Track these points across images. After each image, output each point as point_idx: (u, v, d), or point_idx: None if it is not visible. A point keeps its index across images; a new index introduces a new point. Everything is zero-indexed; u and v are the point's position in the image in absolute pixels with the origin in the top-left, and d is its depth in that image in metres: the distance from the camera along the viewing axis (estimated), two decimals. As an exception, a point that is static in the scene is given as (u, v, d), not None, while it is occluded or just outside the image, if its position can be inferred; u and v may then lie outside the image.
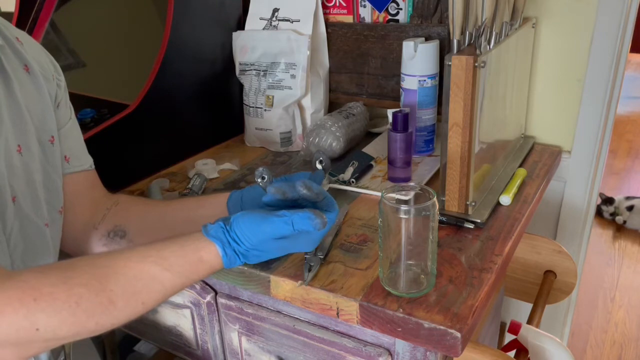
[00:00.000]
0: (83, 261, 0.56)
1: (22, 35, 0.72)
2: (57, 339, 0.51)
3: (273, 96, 1.15)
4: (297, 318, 0.78)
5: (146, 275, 0.56)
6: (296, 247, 0.65)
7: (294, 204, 0.65)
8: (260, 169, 0.68)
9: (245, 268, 0.76)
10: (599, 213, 2.69)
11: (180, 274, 0.58)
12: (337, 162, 1.05)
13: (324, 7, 1.18)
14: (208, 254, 0.59)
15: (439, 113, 1.06)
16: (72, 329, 0.51)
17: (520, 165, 1.03)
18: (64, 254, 0.80)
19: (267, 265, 0.76)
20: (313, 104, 1.18)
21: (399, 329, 0.66)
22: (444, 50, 1.04)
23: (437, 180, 0.94)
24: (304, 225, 0.60)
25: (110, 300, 0.53)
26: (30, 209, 0.67)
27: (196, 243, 0.59)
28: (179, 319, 0.92)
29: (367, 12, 1.17)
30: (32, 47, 0.72)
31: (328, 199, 0.66)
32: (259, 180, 0.68)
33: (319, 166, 0.71)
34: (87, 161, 0.79)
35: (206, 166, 1.07)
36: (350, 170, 0.96)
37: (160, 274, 0.56)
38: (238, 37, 1.20)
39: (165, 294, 0.58)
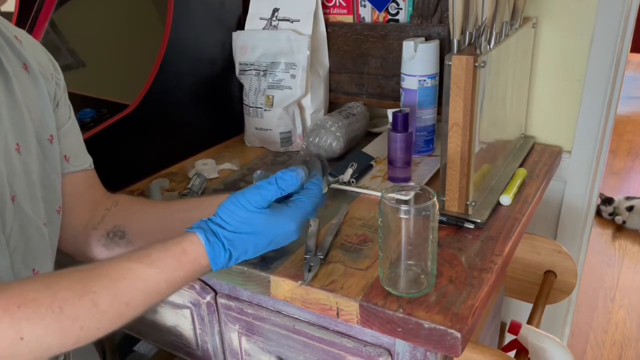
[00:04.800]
0: (68, 269, 0.55)
1: (22, 34, 0.72)
2: (43, 349, 0.50)
3: (273, 96, 1.15)
4: (297, 318, 0.78)
5: (129, 274, 0.54)
6: (284, 225, 0.62)
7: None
8: (259, 171, 0.68)
9: (245, 268, 0.76)
10: (597, 213, 2.69)
11: (164, 269, 0.56)
12: (337, 162, 1.05)
13: (324, 7, 1.18)
14: (190, 244, 0.58)
15: (439, 113, 1.06)
16: (56, 335, 0.50)
17: (521, 165, 1.03)
18: (64, 255, 0.80)
19: (267, 265, 0.76)
20: (313, 104, 1.18)
21: (399, 329, 0.66)
22: (444, 50, 1.04)
23: (437, 180, 0.94)
24: (287, 178, 0.60)
25: (94, 302, 0.52)
26: (29, 208, 0.67)
27: (179, 236, 0.59)
28: (179, 319, 0.92)
29: (367, 12, 1.17)
30: (31, 46, 0.72)
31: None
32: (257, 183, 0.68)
33: None
34: (87, 161, 0.79)
35: (206, 166, 1.07)
36: (349, 171, 0.97)
37: (144, 270, 0.55)
38: (238, 37, 1.20)
39: (150, 294, 0.56)
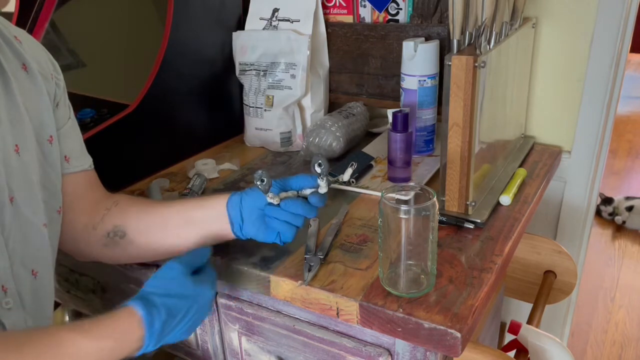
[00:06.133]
0: (21, 337, 0.55)
1: (21, 34, 0.72)
2: None
3: (273, 96, 1.15)
4: (297, 318, 0.78)
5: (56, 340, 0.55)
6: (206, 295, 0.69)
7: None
8: (259, 172, 0.68)
9: (245, 268, 0.76)
10: (597, 213, 2.69)
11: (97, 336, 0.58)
12: (337, 162, 1.05)
13: (324, 7, 1.18)
14: (137, 343, 0.61)
15: (439, 113, 1.06)
16: None
17: (520, 165, 1.03)
18: (64, 254, 0.80)
19: (267, 265, 0.76)
20: (313, 104, 1.18)
21: (399, 329, 0.66)
22: (444, 50, 1.04)
23: (437, 180, 0.94)
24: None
25: None
26: (28, 209, 0.67)
27: (131, 339, 0.60)
28: (179, 319, 0.92)
29: (367, 12, 1.17)
30: (31, 46, 0.72)
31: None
32: (258, 183, 0.68)
33: (317, 169, 0.71)
34: (87, 161, 0.79)
35: (206, 166, 1.07)
36: (349, 171, 0.96)
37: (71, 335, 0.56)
38: (238, 37, 1.20)
39: None
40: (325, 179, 0.72)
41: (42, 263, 0.70)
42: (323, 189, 0.72)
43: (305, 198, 0.73)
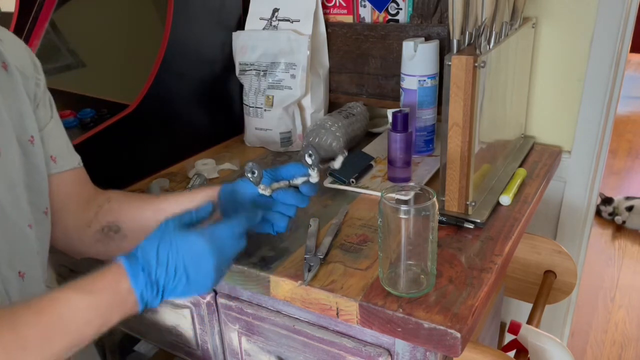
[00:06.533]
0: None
1: (3, 32, 0.71)
2: None
3: (273, 96, 1.15)
4: (297, 318, 0.78)
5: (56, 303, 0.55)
6: (194, 241, 0.63)
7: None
8: (250, 163, 0.68)
9: (245, 268, 0.76)
10: (597, 213, 2.69)
11: (90, 291, 0.56)
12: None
13: (324, 7, 1.18)
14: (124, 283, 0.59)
15: (439, 113, 1.06)
16: None
17: (520, 165, 1.03)
18: (59, 253, 0.80)
19: (267, 265, 0.76)
20: (313, 104, 1.18)
21: (399, 329, 0.66)
22: (444, 50, 1.04)
23: (437, 180, 0.94)
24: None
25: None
26: (11, 210, 0.65)
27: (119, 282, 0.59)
28: (179, 319, 0.92)
29: (367, 12, 1.17)
30: (12, 45, 0.71)
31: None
32: (249, 175, 0.69)
33: (308, 160, 0.71)
34: (75, 159, 0.78)
35: (206, 166, 1.07)
36: (340, 159, 0.94)
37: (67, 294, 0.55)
38: (238, 37, 1.20)
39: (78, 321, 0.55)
40: (316, 169, 0.72)
41: (30, 264, 0.69)
42: (314, 179, 0.73)
43: (296, 187, 0.73)
